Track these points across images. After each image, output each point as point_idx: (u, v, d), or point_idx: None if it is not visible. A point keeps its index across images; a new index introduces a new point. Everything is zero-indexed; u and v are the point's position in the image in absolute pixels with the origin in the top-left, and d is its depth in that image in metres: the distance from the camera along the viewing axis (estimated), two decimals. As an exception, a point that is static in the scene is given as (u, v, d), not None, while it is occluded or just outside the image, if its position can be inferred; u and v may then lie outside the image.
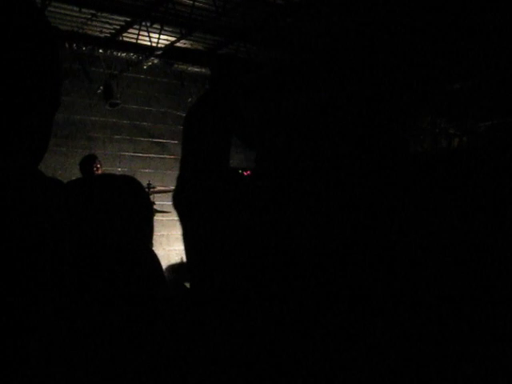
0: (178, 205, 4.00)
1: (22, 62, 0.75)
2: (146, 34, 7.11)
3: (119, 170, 7.65)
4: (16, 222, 0.69)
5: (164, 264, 7.34)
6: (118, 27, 7.15)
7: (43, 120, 0.80)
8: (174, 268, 7.69)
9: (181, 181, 4.05)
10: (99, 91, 7.49)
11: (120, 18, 6.90)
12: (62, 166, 7.04)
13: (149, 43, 7.19)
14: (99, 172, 5.67)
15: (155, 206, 6.20)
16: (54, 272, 0.67)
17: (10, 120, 0.75)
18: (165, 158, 8.16)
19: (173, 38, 7.26)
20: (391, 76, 6.89)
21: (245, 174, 4.39)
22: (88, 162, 5.72)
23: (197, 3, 6.41)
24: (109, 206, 0.76)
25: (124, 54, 7.57)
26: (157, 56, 7.46)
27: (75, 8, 6.41)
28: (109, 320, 0.69)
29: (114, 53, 7.52)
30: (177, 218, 4.03)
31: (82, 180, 0.77)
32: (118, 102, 7.52)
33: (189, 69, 8.30)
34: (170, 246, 7.73)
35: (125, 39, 7.43)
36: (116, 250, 0.74)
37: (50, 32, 0.81)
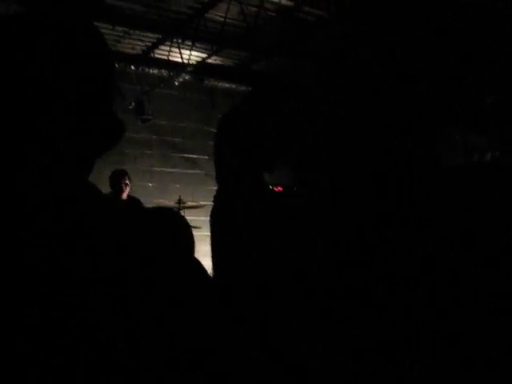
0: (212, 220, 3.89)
1: (80, 83, 0.77)
2: (177, 50, 7.19)
3: (150, 186, 7.71)
4: (69, 230, 0.73)
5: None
6: (150, 44, 7.25)
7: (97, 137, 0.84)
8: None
9: (216, 197, 3.96)
10: (131, 107, 7.58)
11: (152, 35, 6.99)
12: (94, 181, 7.11)
13: (180, 60, 7.26)
14: (127, 188, 5.75)
15: (185, 221, 6.21)
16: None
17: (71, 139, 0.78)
18: (195, 173, 8.20)
19: (204, 55, 7.32)
20: (422, 91, 6.84)
21: (275, 189, 4.36)
22: (117, 177, 5.81)
23: (228, 20, 6.46)
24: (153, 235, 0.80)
25: (155, 71, 7.66)
26: (188, 72, 7.52)
27: (108, 26, 6.53)
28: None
29: (146, 69, 7.62)
30: (206, 233, 3.98)
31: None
32: (150, 117, 7.59)
33: (219, 85, 8.36)
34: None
35: (156, 56, 7.52)
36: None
37: (110, 54, 0.84)
